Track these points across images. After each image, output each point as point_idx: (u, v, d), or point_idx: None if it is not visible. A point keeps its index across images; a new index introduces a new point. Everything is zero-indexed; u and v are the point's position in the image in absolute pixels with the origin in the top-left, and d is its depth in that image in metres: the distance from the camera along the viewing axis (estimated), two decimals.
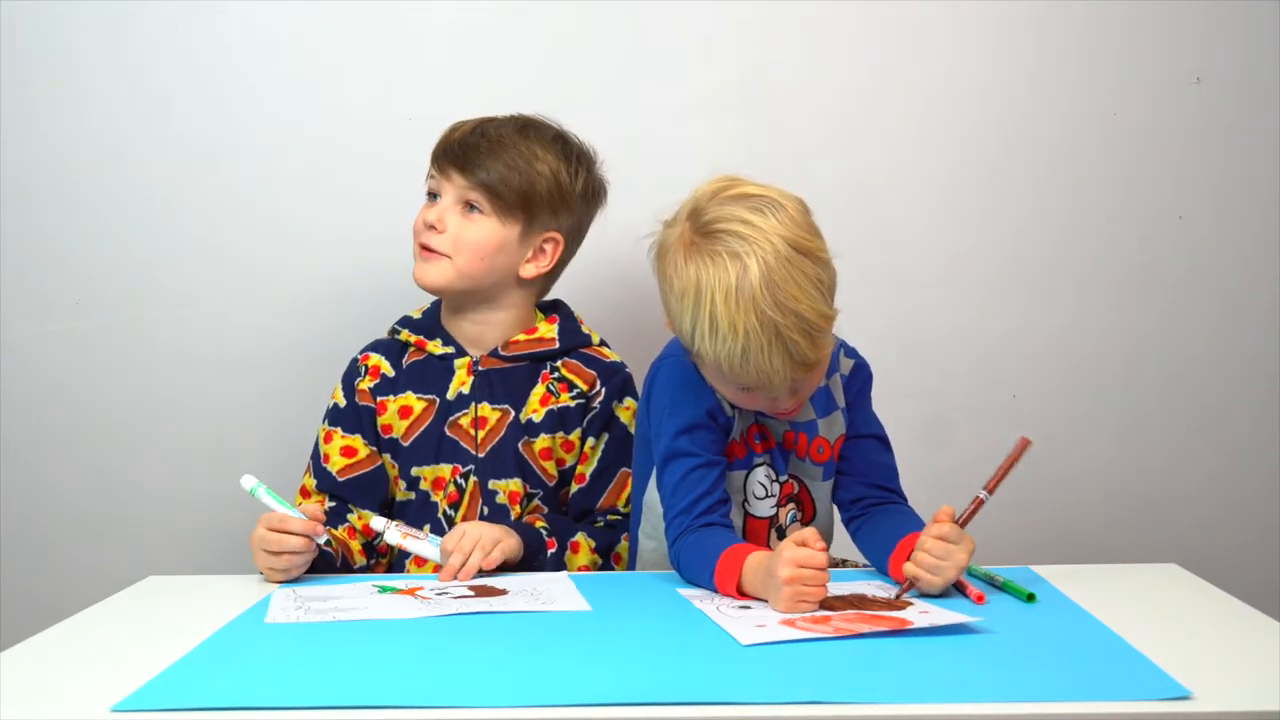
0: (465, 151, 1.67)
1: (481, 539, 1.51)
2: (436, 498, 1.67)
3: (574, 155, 1.72)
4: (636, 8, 2.01)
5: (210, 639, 1.23)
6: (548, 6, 2.00)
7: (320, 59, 2.01)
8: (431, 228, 1.67)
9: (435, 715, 1.02)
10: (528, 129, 1.72)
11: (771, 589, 1.30)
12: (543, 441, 1.68)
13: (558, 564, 1.62)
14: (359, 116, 2.00)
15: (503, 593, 1.41)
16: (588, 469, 1.71)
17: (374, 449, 1.70)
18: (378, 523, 1.57)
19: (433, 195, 1.71)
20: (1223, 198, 2.06)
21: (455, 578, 1.48)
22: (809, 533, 1.31)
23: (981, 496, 1.39)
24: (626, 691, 1.05)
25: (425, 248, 1.68)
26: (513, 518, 1.66)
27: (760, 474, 1.53)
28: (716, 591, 1.37)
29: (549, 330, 1.73)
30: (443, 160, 1.69)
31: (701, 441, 1.48)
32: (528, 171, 1.68)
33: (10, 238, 2.01)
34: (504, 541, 1.53)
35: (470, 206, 1.68)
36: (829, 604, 1.30)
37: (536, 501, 1.69)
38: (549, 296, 1.80)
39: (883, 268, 2.06)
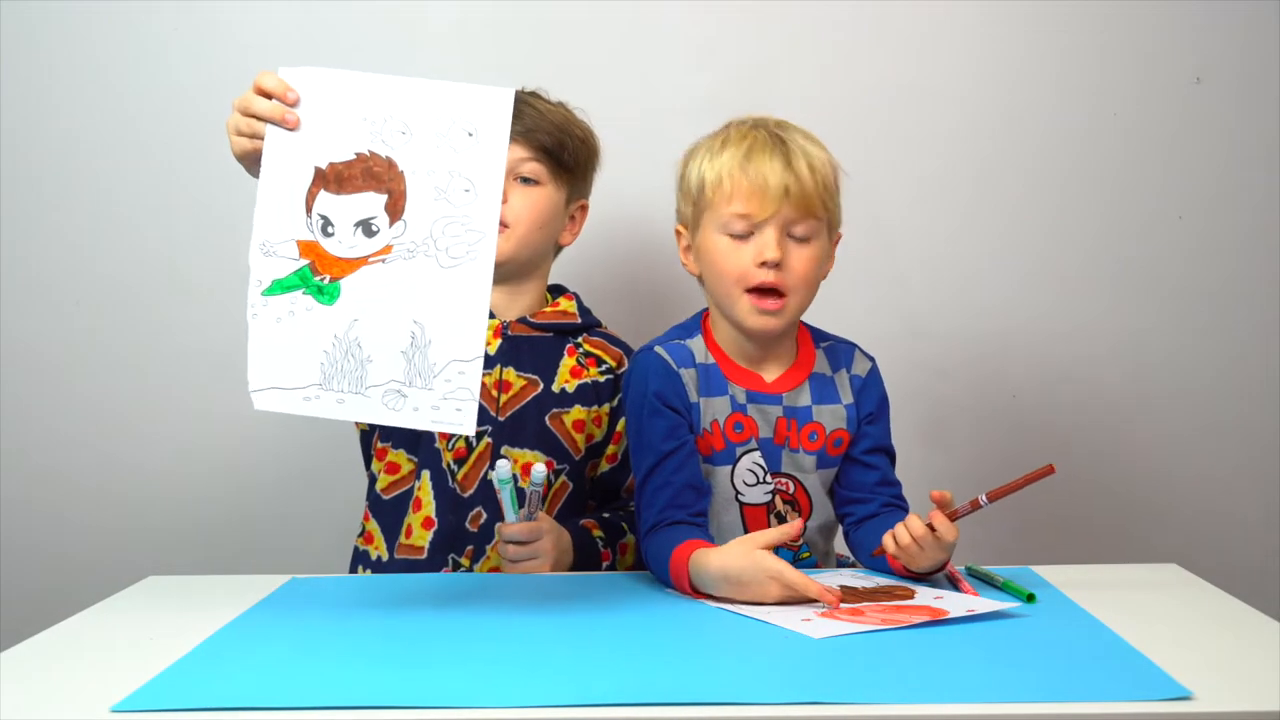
0: (515, 119, 1.64)
1: (541, 560, 1.54)
2: (440, 445, 1.64)
3: (584, 120, 1.73)
4: (636, 8, 2.01)
5: (210, 639, 1.23)
6: (546, 7, 2.00)
7: (320, 57, 2.00)
8: None
9: (436, 715, 1.02)
10: (541, 97, 1.70)
11: (754, 591, 1.31)
12: (577, 413, 1.68)
13: (610, 569, 1.64)
14: None
15: None
16: (620, 448, 1.71)
17: None
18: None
19: None
20: (1223, 198, 2.06)
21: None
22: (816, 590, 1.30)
23: (980, 502, 1.39)
24: (596, 694, 1.05)
25: None
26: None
27: (746, 463, 1.53)
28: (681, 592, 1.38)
29: (570, 306, 1.74)
30: None
31: (662, 430, 1.49)
32: (570, 133, 1.68)
33: (11, 237, 2.01)
34: (540, 566, 1.54)
35: (525, 179, 1.66)
36: (847, 598, 1.31)
37: (565, 479, 1.67)
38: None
39: (883, 268, 2.06)
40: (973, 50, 2.04)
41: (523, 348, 1.68)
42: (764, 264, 1.46)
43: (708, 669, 1.13)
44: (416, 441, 1.65)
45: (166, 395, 2.03)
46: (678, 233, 1.57)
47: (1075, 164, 2.05)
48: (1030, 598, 1.32)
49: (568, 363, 1.69)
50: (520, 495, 1.56)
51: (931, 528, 1.36)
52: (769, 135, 1.48)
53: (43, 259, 2.01)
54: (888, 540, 1.39)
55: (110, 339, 2.02)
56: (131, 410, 2.03)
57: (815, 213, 1.48)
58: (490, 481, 1.62)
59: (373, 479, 1.70)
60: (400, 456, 1.67)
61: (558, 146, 1.66)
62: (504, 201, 1.60)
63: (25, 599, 2.00)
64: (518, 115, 1.61)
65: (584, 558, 1.61)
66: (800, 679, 1.08)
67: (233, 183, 2.01)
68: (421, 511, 1.63)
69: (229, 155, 2.00)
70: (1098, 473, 2.09)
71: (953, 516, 1.37)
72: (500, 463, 1.54)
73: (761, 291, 1.47)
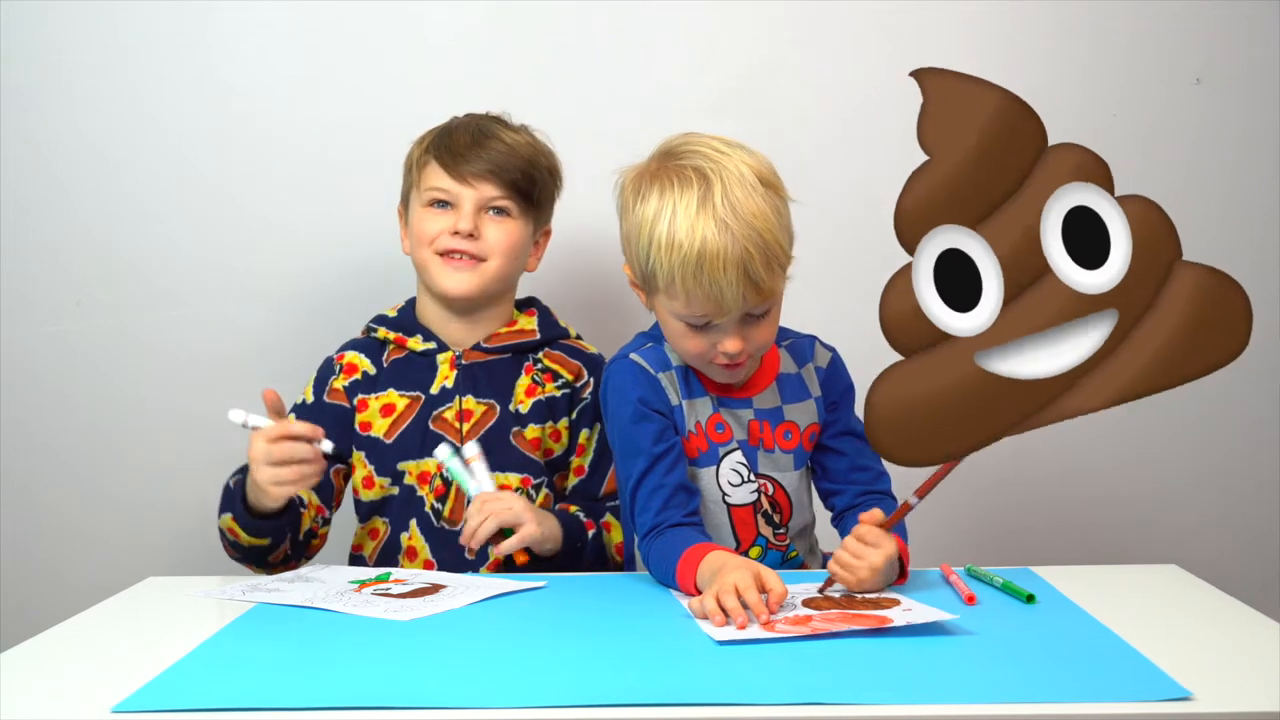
0: (485, 156, 1.65)
1: (501, 511, 1.53)
2: (423, 492, 1.67)
3: (547, 145, 1.74)
4: (636, 9, 2.01)
5: (210, 639, 1.23)
6: (545, 7, 2.00)
7: (303, 67, 2.00)
8: (468, 235, 1.65)
9: (436, 715, 1.02)
10: (506, 124, 1.72)
11: (708, 586, 1.29)
12: (531, 431, 1.69)
13: (599, 546, 1.64)
14: (348, 121, 2.00)
15: (441, 588, 1.43)
16: (585, 460, 1.72)
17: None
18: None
19: (442, 203, 1.68)
20: (1223, 198, 2.06)
21: (469, 542, 1.53)
22: (778, 590, 1.27)
23: (910, 501, 1.37)
24: (596, 694, 1.05)
25: (453, 254, 1.66)
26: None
27: (729, 464, 1.52)
28: (683, 592, 1.38)
29: (528, 323, 1.75)
30: (461, 168, 1.65)
31: (651, 434, 1.49)
32: (539, 166, 1.69)
33: (9, 240, 2.01)
34: (526, 529, 1.53)
35: (497, 210, 1.67)
36: (815, 604, 1.30)
37: (546, 491, 1.69)
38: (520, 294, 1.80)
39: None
40: (973, 53, 2.03)
41: (478, 374, 1.70)
42: (724, 352, 1.45)
43: (708, 669, 1.13)
44: (387, 506, 1.68)
45: (165, 396, 2.03)
46: (626, 267, 1.52)
47: None
48: (1030, 598, 1.32)
49: (524, 382, 1.70)
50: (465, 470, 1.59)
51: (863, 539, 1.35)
52: (719, 229, 1.37)
53: (41, 261, 2.01)
54: (830, 565, 1.37)
55: (109, 339, 2.02)
56: (130, 410, 2.03)
57: (775, 293, 1.45)
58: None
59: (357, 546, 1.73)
60: (381, 523, 1.70)
61: (528, 182, 1.68)
62: (477, 235, 1.64)
63: (25, 599, 2.00)
64: (486, 150, 1.65)
65: (570, 530, 1.62)
66: (801, 679, 1.08)
67: (229, 186, 2.03)
68: (418, 559, 1.66)
69: (226, 158, 2.02)
70: (1098, 473, 2.09)
71: (888, 524, 1.36)
72: (440, 447, 1.60)
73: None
